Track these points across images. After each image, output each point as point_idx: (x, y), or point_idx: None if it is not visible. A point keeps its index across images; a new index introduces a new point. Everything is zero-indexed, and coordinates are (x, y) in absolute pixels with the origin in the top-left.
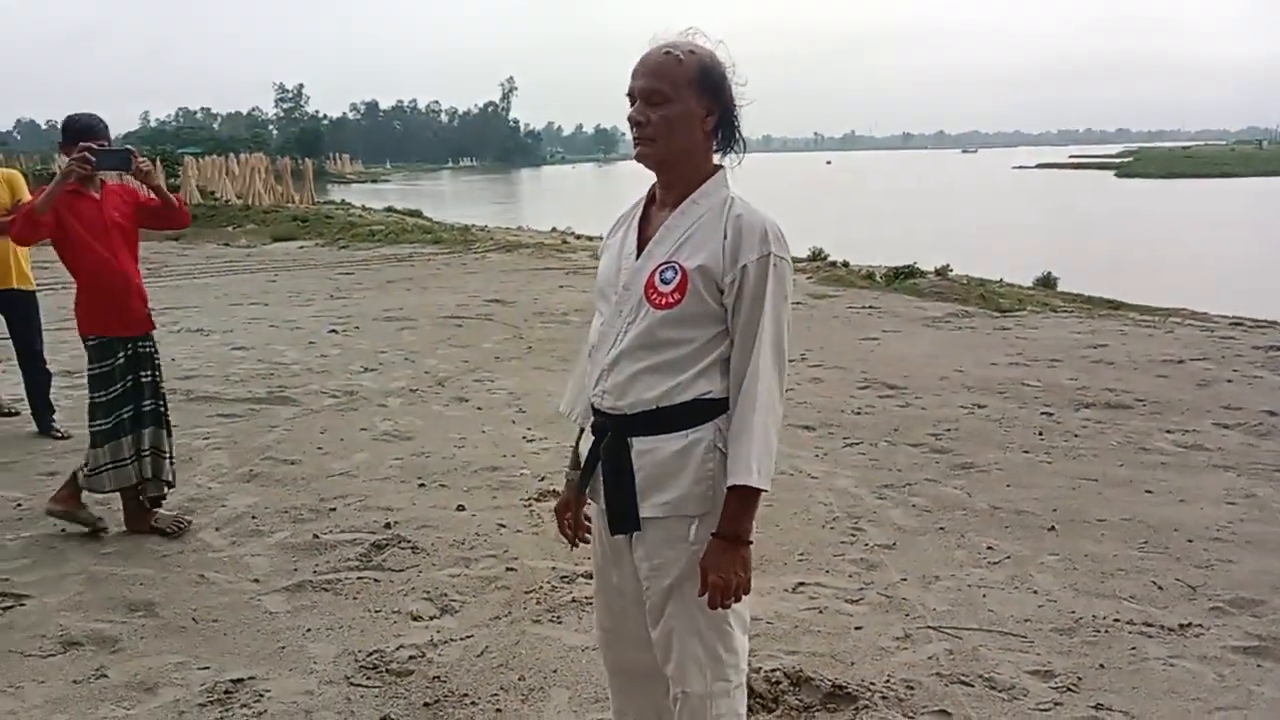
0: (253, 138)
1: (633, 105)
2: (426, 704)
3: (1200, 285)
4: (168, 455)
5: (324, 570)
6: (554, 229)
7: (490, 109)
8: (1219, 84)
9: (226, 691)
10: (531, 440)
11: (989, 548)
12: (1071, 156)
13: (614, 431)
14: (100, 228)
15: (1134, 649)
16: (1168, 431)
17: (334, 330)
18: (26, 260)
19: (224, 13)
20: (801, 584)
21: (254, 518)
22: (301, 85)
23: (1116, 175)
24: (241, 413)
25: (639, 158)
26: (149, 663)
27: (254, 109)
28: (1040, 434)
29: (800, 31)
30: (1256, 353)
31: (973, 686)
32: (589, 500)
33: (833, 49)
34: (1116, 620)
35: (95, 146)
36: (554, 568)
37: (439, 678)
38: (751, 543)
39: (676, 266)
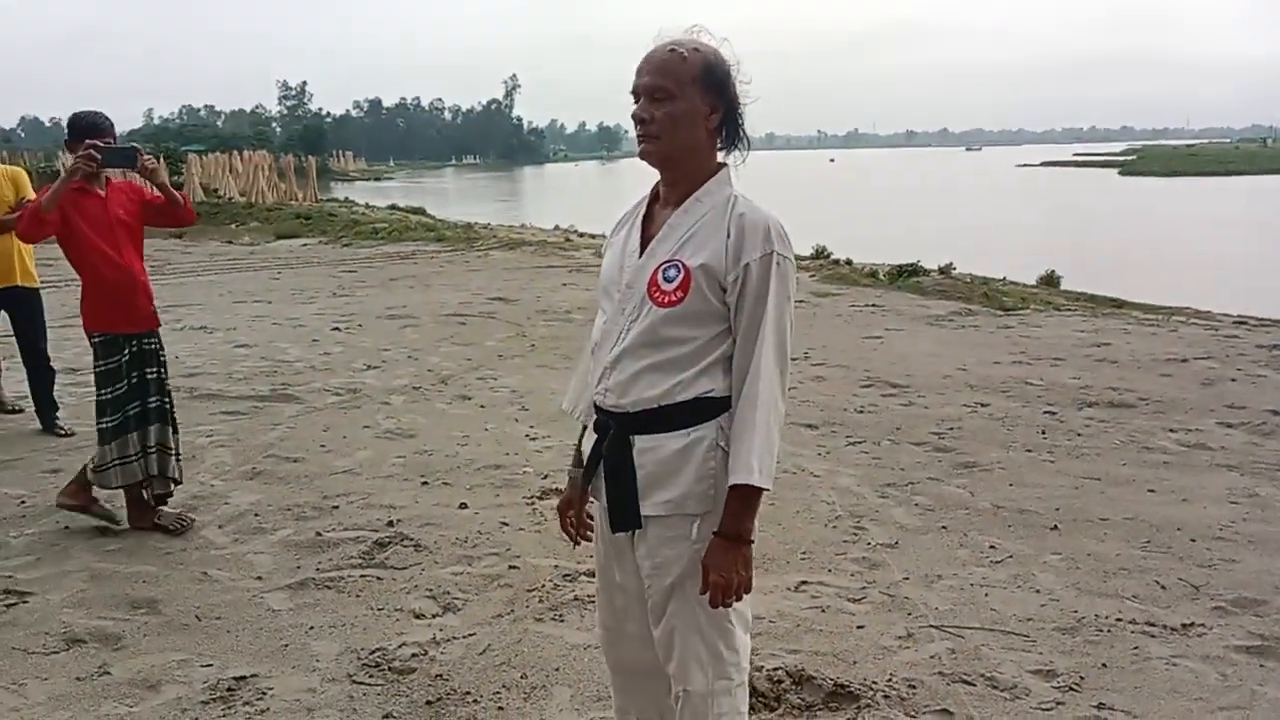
0: (256, 135)
1: (637, 102)
2: (429, 702)
3: (1204, 284)
4: (174, 452)
5: (326, 568)
6: (557, 227)
7: (493, 107)
8: (1223, 82)
9: (229, 689)
10: (534, 438)
11: (991, 547)
12: (1075, 154)
13: (616, 429)
14: (106, 225)
15: (1136, 648)
16: (1171, 430)
17: (337, 328)
18: (30, 257)
19: (228, 11)
20: (804, 582)
21: (257, 515)
22: (305, 83)
23: (1120, 173)
24: (244, 410)
25: (643, 155)
26: (152, 660)
27: (258, 106)
28: (1043, 433)
29: (803, 29)
30: (1260, 352)
31: (975, 686)
32: (591, 498)
33: (836, 46)
34: (1119, 620)
35: (101, 144)
36: (556, 566)
37: (441, 676)
38: (753, 542)
39: (679, 265)
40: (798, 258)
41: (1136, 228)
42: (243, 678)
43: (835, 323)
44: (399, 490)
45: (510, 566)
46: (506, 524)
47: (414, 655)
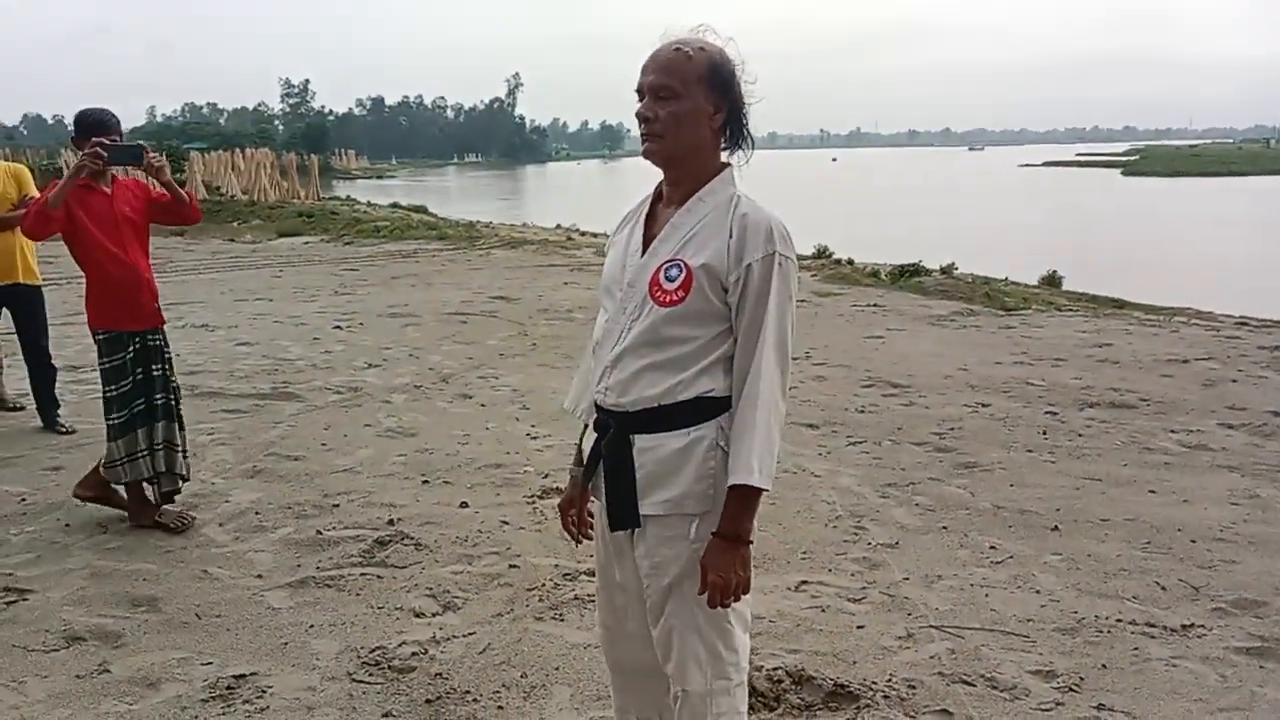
0: (259, 133)
1: (641, 101)
2: (428, 701)
3: (1206, 284)
4: (180, 449)
5: (327, 566)
6: (559, 225)
7: (496, 105)
8: (1226, 82)
9: (229, 687)
10: (535, 437)
11: (992, 547)
12: (1078, 155)
13: (616, 428)
14: (111, 222)
15: (1136, 649)
16: (1172, 431)
17: (338, 326)
18: (33, 255)
19: (231, 9)
20: (804, 582)
21: (257, 513)
22: (308, 81)
23: (1123, 174)
24: (246, 408)
25: (646, 154)
26: (152, 658)
27: (260, 104)
28: (1044, 433)
29: (806, 28)
30: (1262, 353)
31: (974, 686)
32: (592, 497)
33: (838, 46)
34: (1119, 620)
35: (107, 142)
36: (556, 565)
37: (441, 674)
38: (752, 542)
39: (681, 264)
40: (799, 257)
41: (1139, 228)
42: (242, 676)
43: (837, 322)
44: (399, 489)
45: (510, 565)
46: (507, 523)
47: (414, 654)
